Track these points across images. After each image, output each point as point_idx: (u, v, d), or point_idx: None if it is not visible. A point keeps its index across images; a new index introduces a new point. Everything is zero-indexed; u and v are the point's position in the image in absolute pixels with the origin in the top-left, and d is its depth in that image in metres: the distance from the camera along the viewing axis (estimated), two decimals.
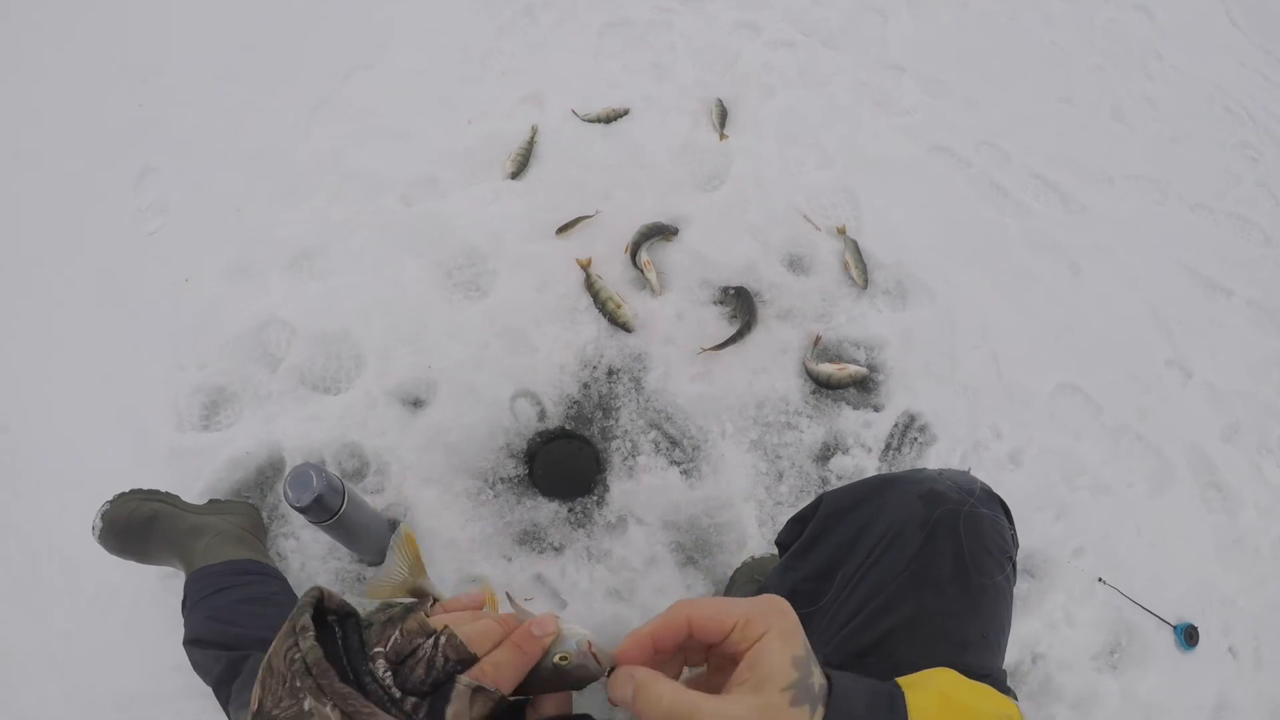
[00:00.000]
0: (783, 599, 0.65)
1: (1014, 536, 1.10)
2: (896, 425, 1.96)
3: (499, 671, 0.62)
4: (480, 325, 2.00)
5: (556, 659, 0.64)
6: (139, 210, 2.29)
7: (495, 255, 2.11)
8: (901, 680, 0.73)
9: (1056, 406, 2.08)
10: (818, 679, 0.64)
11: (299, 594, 1.68)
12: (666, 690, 0.61)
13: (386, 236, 2.16)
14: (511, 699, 0.63)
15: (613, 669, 0.64)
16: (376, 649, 0.61)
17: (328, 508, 1.46)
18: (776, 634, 0.63)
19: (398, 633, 0.62)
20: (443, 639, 0.62)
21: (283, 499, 1.84)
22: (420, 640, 0.61)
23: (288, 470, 1.90)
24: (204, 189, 2.30)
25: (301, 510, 1.43)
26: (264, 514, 1.87)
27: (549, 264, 2.07)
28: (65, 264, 2.21)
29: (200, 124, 2.41)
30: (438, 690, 0.60)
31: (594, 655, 0.65)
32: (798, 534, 1.23)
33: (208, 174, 2.32)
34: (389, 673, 0.60)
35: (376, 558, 1.79)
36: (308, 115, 2.40)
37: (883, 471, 1.90)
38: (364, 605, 0.69)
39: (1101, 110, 2.65)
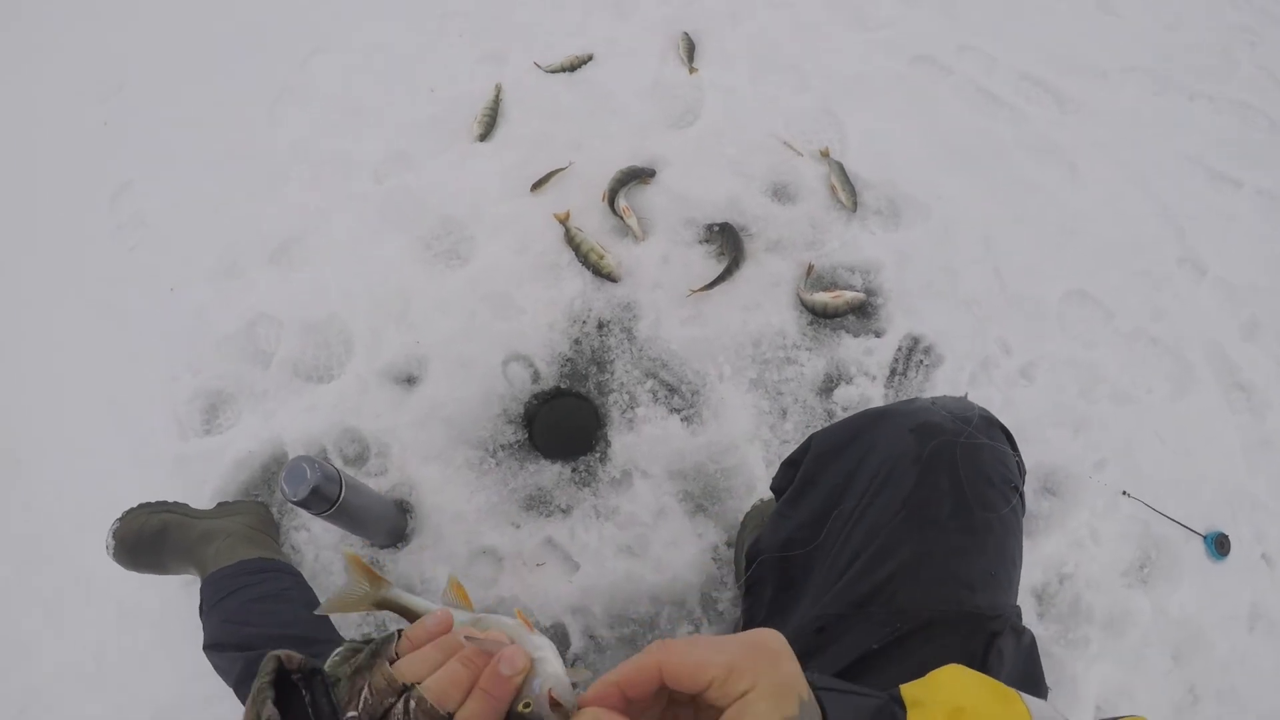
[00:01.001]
0: (777, 638, 0.57)
1: (1020, 464, 1.04)
2: (900, 349, 1.90)
3: None
4: (464, 294, 1.96)
5: (520, 707, 0.60)
6: (118, 227, 2.26)
7: (472, 221, 2.06)
8: (904, 690, 0.64)
9: (1066, 315, 2.00)
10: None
11: (314, 587, 1.68)
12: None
13: (363, 217, 2.12)
14: None
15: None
16: (350, 714, 0.58)
17: (326, 498, 1.44)
18: (764, 692, 0.54)
19: (367, 689, 0.59)
20: (412, 703, 0.57)
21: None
22: (391, 700, 0.58)
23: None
24: (178, 196, 2.27)
25: (301, 504, 1.41)
26: (274, 510, 1.86)
27: (527, 223, 2.02)
28: (55, 292, 2.20)
29: (166, 132, 2.38)
30: None
31: (555, 701, 0.59)
32: (790, 478, 1.18)
33: (180, 181, 2.29)
34: None
35: (387, 540, 1.77)
36: (270, 107, 2.36)
37: (889, 399, 1.85)
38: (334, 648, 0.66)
39: (1089, 2, 2.53)
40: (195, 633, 1.51)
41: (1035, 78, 2.29)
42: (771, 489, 1.28)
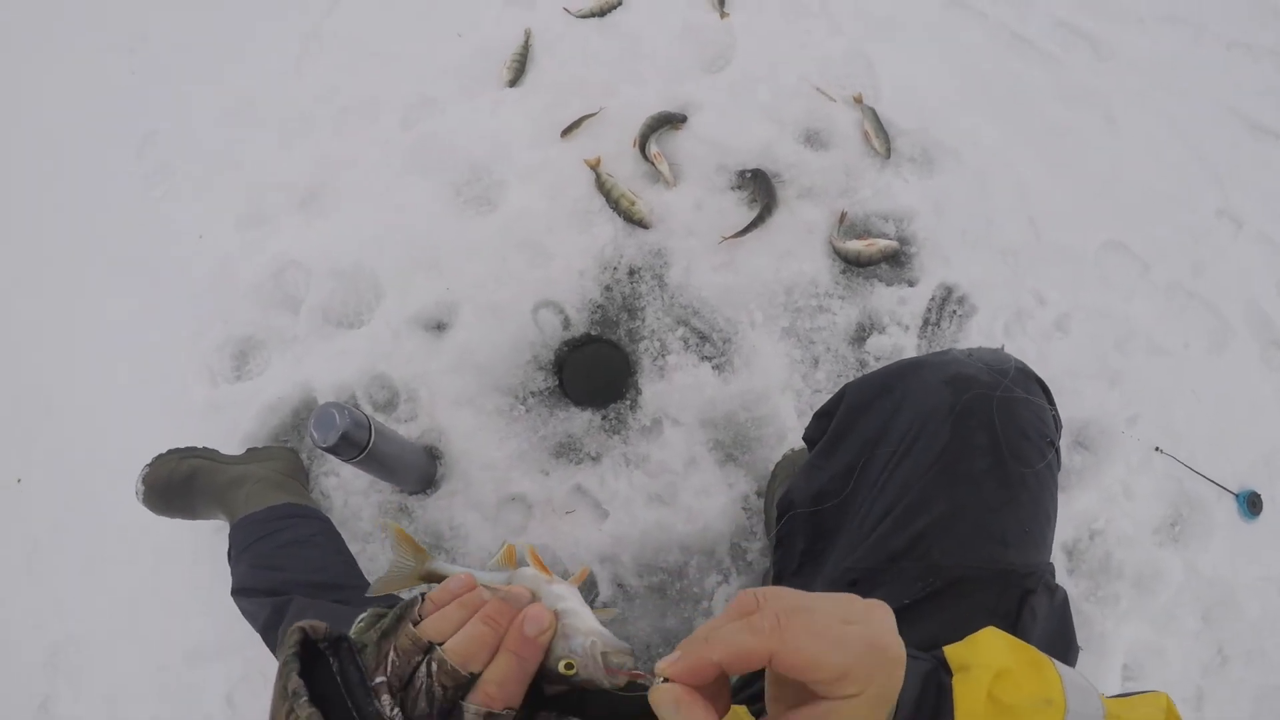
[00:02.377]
0: (899, 645, 0.54)
1: (1056, 418, 1.02)
2: (934, 299, 1.88)
3: (504, 690, 0.57)
4: (494, 240, 1.95)
5: (562, 666, 0.59)
6: (145, 176, 2.26)
7: (502, 167, 2.04)
8: (948, 652, 0.62)
9: (1103, 266, 1.97)
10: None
11: (343, 532, 1.70)
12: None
13: (390, 163, 2.10)
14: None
15: (630, 679, 0.58)
16: (378, 679, 0.57)
17: (355, 443, 1.45)
18: (867, 701, 0.51)
19: (393, 652, 0.58)
20: (434, 665, 0.57)
21: None
22: (417, 659, 0.58)
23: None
24: (205, 145, 2.26)
25: (330, 450, 1.41)
26: (304, 455, 1.87)
27: (557, 169, 2.00)
28: (83, 240, 2.21)
29: (193, 81, 2.36)
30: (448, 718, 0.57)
31: (606, 663, 0.58)
32: (823, 429, 1.17)
33: (207, 129, 2.28)
34: (396, 709, 0.56)
35: (416, 486, 1.78)
36: (296, 54, 2.33)
37: (921, 350, 1.83)
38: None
39: None
40: (226, 577, 1.53)
41: (1071, 24, 2.23)
42: (804, 439, 1.26)
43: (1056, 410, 1.03)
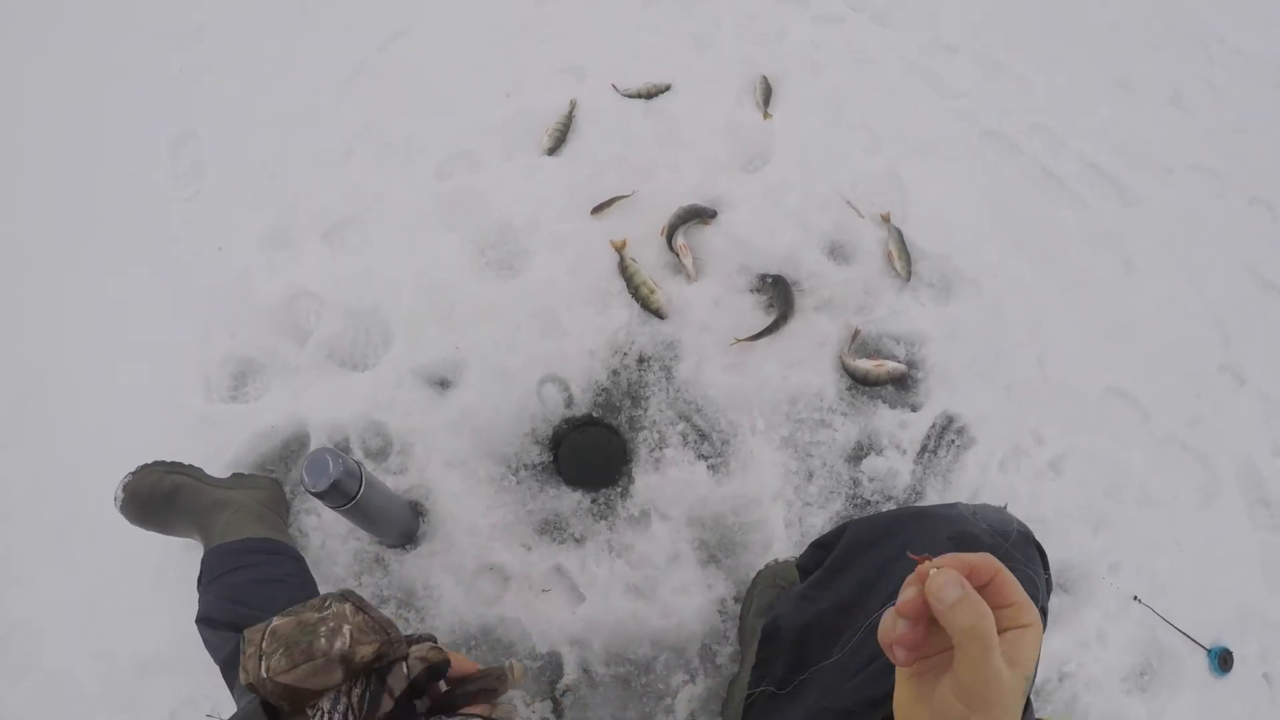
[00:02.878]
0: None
1: (1048, 581, 1.04)
2: (934, 426, 1.90)
3: None
4: (511, 305, 1.96)
5: None
6: (176, 175, 2.27)
7: (529, 233, 2.05)
8: None
9: (1104, 411, 1.99)
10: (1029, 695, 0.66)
11: (317, 574, 1.69)
12: (986, 611, 0.62)
13: (420, 209, 2.11)
14: None
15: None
16: None
17: (344, 493, 1.45)
18: (1036, 634, 0.64)
19: None
20: None
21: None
22: None
23: (310, 448, 1.89)
24: (241, 155, 2.27)
25: (318, 495, 1.41)
26: (287, 489, 1.86)
27: (584, 244, 2.02)
28: (105, 229, 2.21)
29: (239, 89, 2.37)
30: None
31: None
32: (819, 560, 1.18)
33: (245, 140, 2.29)
34: None
35: (397, 540, 1.78)
36: (345, 82, 2.36)
37: (917, 475, 1.84)
38: None
39: (1159, 95, 2.50)
40: (189, 595, 1.52)
41: (1101, 166, 2.27)
42: (798, 565, 1.28)
43: (1050, 574, 1.04)
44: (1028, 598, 0.65)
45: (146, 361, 2.03)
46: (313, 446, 1.90)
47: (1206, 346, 2.12)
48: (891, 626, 0.66)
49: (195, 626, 1.49)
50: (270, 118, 2.31)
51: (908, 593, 0.65)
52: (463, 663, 1.00)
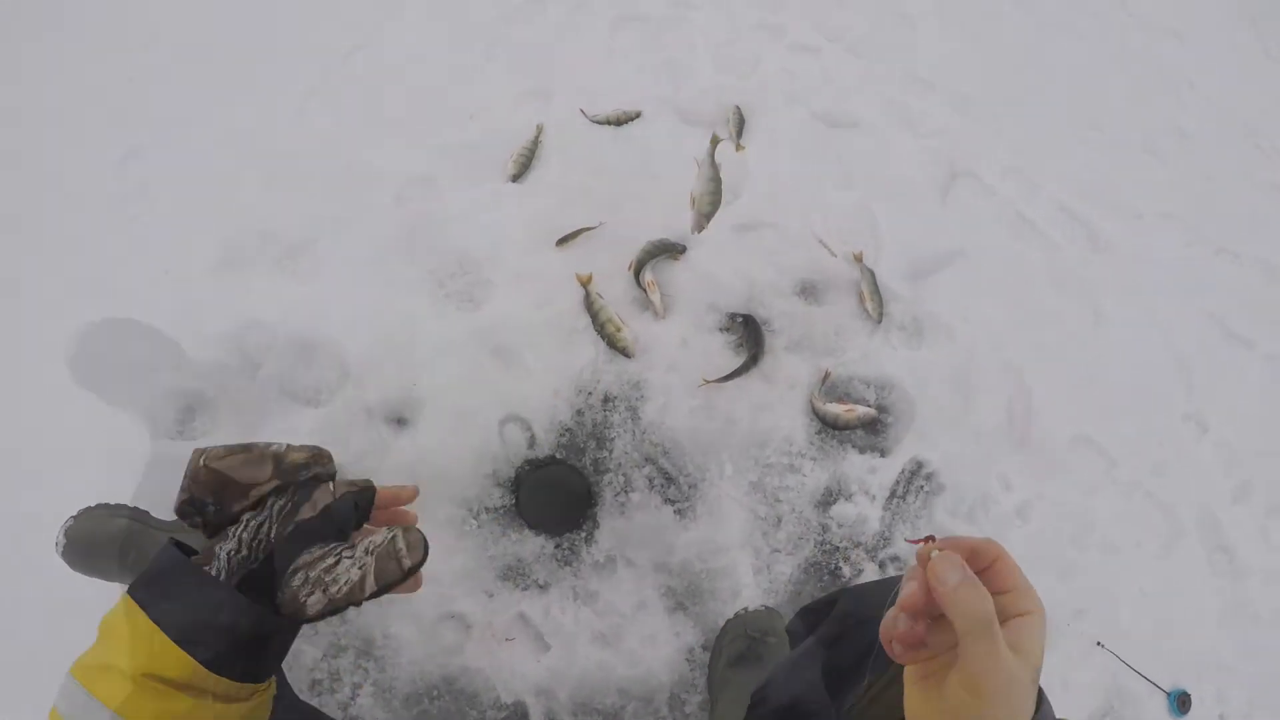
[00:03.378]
0: None
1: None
2: (904, 472, 1.87)
3: None
4: (472, 341, 1.89)
5: None
6: (123, 195, 2.15)
7: (491, 265, 1.99)
8: None
9: (1070, 459, 1.99)
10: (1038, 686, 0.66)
11: None
12: (987, 595, 0.63)
13: (377, 237, 2.03)
14: None
15: None
16: None
17: None
18: (1041, 620, 0.65)
19: None
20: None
21: None
22: None
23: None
24: (190, 173, 2.17)
25: None
26: None
27: (548, 278, 1.95)
28: (45, 249, 2.10)
29: (190, 102, 2.27)
30: None
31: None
32: (810, 626, 1.15)
33: (195, 157, 2.19)
34: None
35: None
36: (303, 97, 2.26)
37: (885, 521, 1.82)
38: None
39: (1132, 140, 2.53)
40: None
41: (1073, 210, 2.27)
42: (787, 630, 1.26)
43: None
44: (1029, 584, 0.67)
45: (89, 396, 1.93)
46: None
47: (1171, 394, 2.13)
48: (893, 622, 0.68)
49: None
50: (223, 132, 2.21)
51: (909, 586, 0.67)
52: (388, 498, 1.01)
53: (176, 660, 0.75)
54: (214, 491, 0.86)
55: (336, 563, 0.84)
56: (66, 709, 0.77)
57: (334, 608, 0.82)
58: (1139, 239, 2.30)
